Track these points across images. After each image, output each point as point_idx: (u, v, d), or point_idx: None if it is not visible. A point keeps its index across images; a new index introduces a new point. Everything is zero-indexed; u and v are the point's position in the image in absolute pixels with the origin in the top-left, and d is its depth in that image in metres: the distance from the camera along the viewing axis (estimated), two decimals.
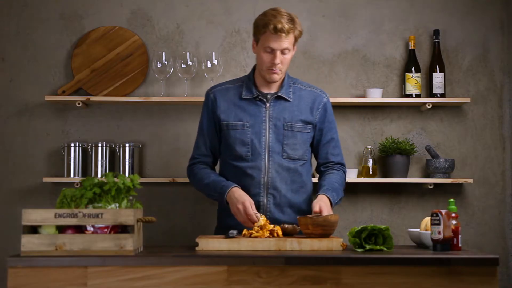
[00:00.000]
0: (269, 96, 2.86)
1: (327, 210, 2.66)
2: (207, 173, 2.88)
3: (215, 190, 2.81)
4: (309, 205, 2.84)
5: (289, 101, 2.86)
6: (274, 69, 2.79)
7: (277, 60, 2.77)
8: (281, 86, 2.88)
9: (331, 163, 2.94)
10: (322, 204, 2.68)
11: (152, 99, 3.61)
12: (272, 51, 2.77)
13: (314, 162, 3.01)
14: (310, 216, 2.54)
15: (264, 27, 2.75)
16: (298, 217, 2.57)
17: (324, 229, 2.49)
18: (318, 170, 2.98)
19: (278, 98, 2.86)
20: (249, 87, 2.88)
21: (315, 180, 3.14)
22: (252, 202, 2.70)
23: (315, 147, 2.94)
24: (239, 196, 2.72)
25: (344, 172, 2.96)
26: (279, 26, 2.71)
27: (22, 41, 3.74)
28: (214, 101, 2.89)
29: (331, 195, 2.77)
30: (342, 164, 2.96)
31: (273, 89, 2.88)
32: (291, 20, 2.76)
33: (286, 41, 2.75)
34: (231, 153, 2.85)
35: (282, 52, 2.77)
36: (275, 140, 2.83)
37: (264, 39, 2.77)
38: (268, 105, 2.85)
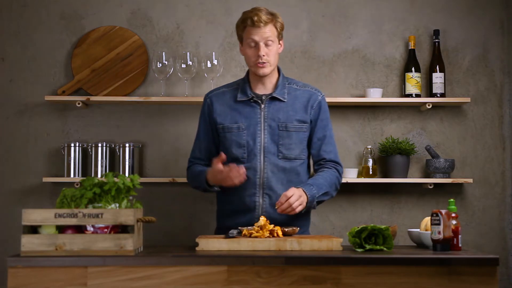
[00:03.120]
0: (263, 97, 2.87)
1: (295, 198, 2.64)
2: (196, 169, 2.94)
3: (200, 180, 2.87)
4: None
5: (284, 101, 2.87)
6: (260, 61, 2.81)
7: (261, 52, 2.79)
8: (276, 86, 2.89)
9: (323, 160, 2.90)
10: (295, 191, 2.66)
11: (152, 99, 3.60)
12: (256, 44, 2.81)
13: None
14: None
15: (243, 22, 2.83)
16: None
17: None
18: (314, 169, 2.96)
19: (272, 99, 2.87)
20: (244, 89, 2.90)
21: None
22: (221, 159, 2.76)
23: (308, 144, 2.92)
24: (212, 171, 2.79)
25: (338, 170, 2.89)
26: (256, 18, 2.78)
27: (22, 41, 3.74)
28: (210, 105, 2.93)
29: (308, 189, 2.72)
30: (335, 162, 2.91)
31: (268, 90, 2.90)
32: (270, 13, 2.82)
33: (267, 31, 2.79)
34: (228, 155, 2.85)
35: (266, 44, 2.80)
36: (270, 141, 2.84)
37: (245, 35, 2.83)
38: (263, 106, 2.87)
